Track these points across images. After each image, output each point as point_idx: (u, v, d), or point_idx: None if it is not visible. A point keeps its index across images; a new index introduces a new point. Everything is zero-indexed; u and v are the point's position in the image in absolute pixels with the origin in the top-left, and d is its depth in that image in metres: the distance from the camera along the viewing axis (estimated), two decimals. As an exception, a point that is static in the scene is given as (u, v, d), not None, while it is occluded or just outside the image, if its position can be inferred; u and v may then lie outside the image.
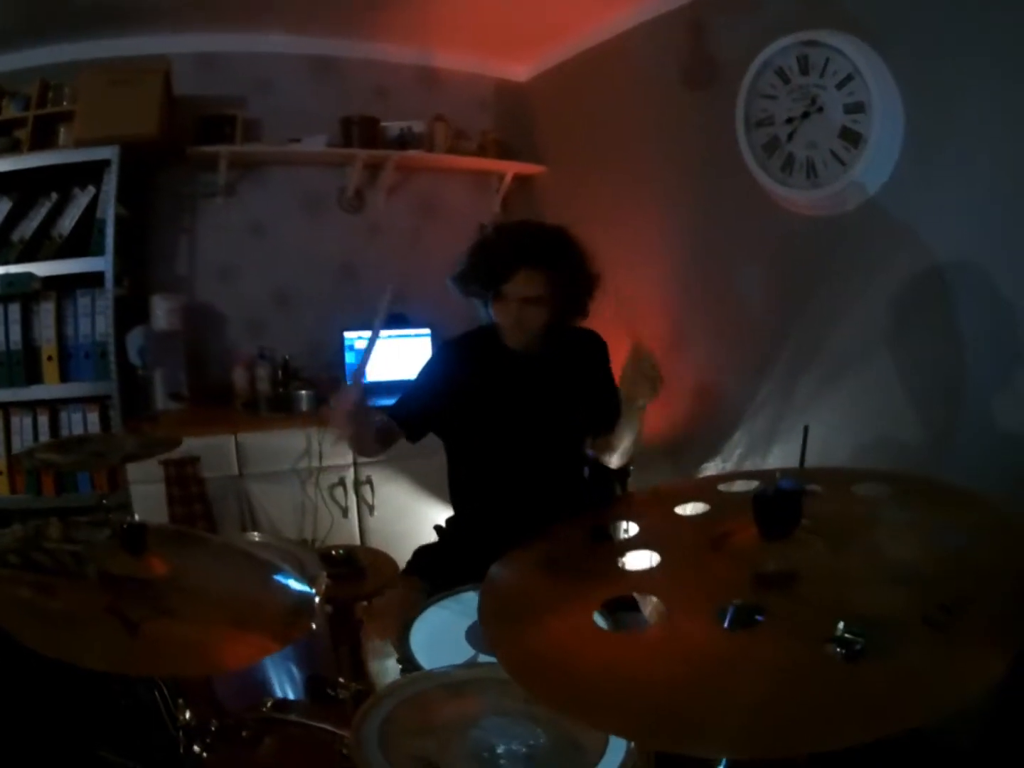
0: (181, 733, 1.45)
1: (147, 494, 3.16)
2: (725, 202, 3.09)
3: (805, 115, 2.57)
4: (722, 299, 3.21)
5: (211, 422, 3.47)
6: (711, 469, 3.24)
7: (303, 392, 3.63)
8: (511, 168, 4.24)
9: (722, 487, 1.57)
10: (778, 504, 1.14)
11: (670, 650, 1.05)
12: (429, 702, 1.33)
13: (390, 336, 3.95)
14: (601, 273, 2.14)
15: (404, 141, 3.99)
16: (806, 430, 2.56)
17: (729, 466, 3.15)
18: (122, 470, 3.27)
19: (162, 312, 3.54)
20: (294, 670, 1.91)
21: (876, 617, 0.98)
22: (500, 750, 1.21)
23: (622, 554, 1.36)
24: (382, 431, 2.12)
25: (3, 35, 3.30)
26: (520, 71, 4.31)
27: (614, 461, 2.22)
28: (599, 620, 1.15)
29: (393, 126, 3.99)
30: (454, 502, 2.32)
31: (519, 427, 2.14)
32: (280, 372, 3.77)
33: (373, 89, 4.05)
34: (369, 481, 3.51)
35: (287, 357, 3.81)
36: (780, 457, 2.93)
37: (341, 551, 3.04)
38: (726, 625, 1.00)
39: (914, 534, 1.20)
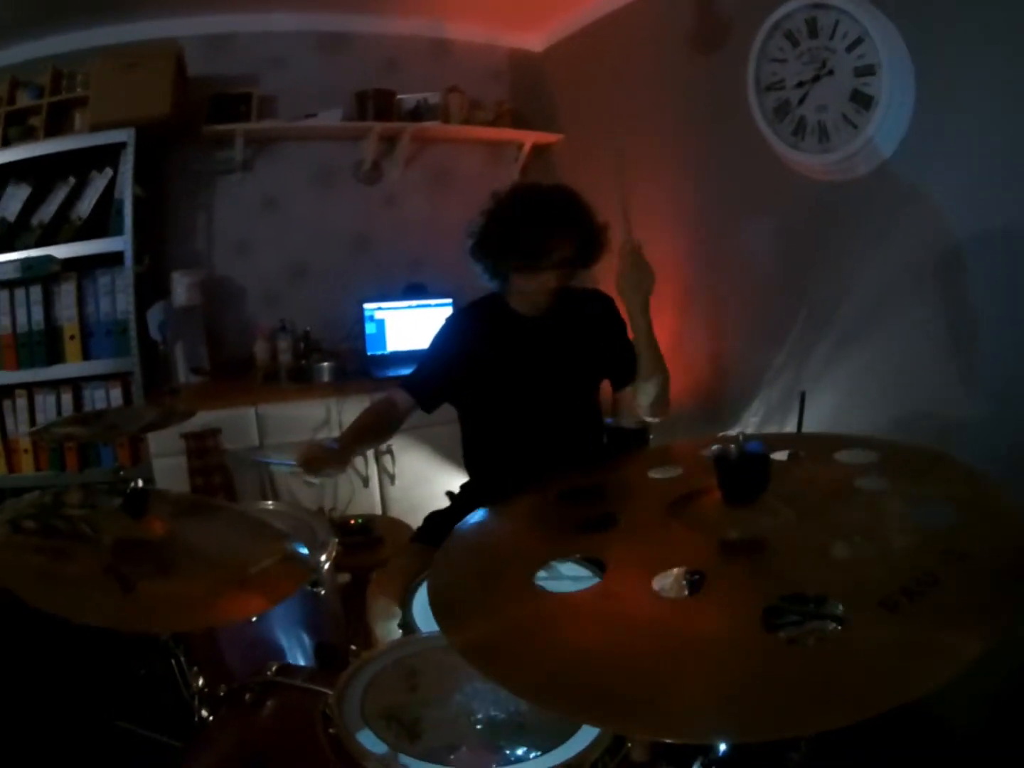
0: (196, 699, 1.51)
1: (168, 466, 3.22)
2: (737, 168, 3.03)
3: (815, 78, 2.50)
4: (736, 265, 3.16)
5: (231, 394, 3.50)
6: (731, 434, 3.22)
7: (324, 364, 3.66)
8: (528, 137, 4.21)
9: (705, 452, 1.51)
10: (742, 468, 1.09)
11: (607, 619, 1.00)
12: (417, 666, 1.37)
13: (410, 306, 3.98)
14: (607, 224, 2.14)
15: (419, 113, 3.98)
16: (802, 396, 2.54)
17: (743, 434, 3.13)
18: (144, 444, 3.34)
19: (182, 287, 3.58)
20: (305, 637, 1.94)
21: (833, 593, 0.96)
22: (479, 716, 1.23)
23: (583, 516, 1.32)
24: (378, 426, 2.15)
25: (14, 26, 3.32)
26: (534, 41, 4.25)
27: (647, 408, 2.19)
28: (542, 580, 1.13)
29: (409, 98, 3.99)
30: (468, 468, 2.35)
31: (532, 391, 2.15)
32: (302, 344, 3.80)
33: (385, 62, 4.04)
34: (390, 451, 3.53)
35: (307, 329, 3.85)
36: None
37: (359, 520, 3.07)
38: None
39: (893, 507, 1.16)
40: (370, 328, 3.91)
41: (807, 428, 2.56)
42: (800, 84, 2.55)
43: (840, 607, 0.91)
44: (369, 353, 3.88)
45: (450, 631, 1.04)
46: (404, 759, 1.13)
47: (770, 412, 3.05)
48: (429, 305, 3.99)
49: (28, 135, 3.36)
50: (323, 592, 1.93)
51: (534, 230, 1.99)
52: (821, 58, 2.46)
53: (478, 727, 1.21)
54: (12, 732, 2.29)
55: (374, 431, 2.16)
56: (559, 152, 4.25)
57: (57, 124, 3.44)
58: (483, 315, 2.23)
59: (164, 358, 3.57)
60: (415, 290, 4.06)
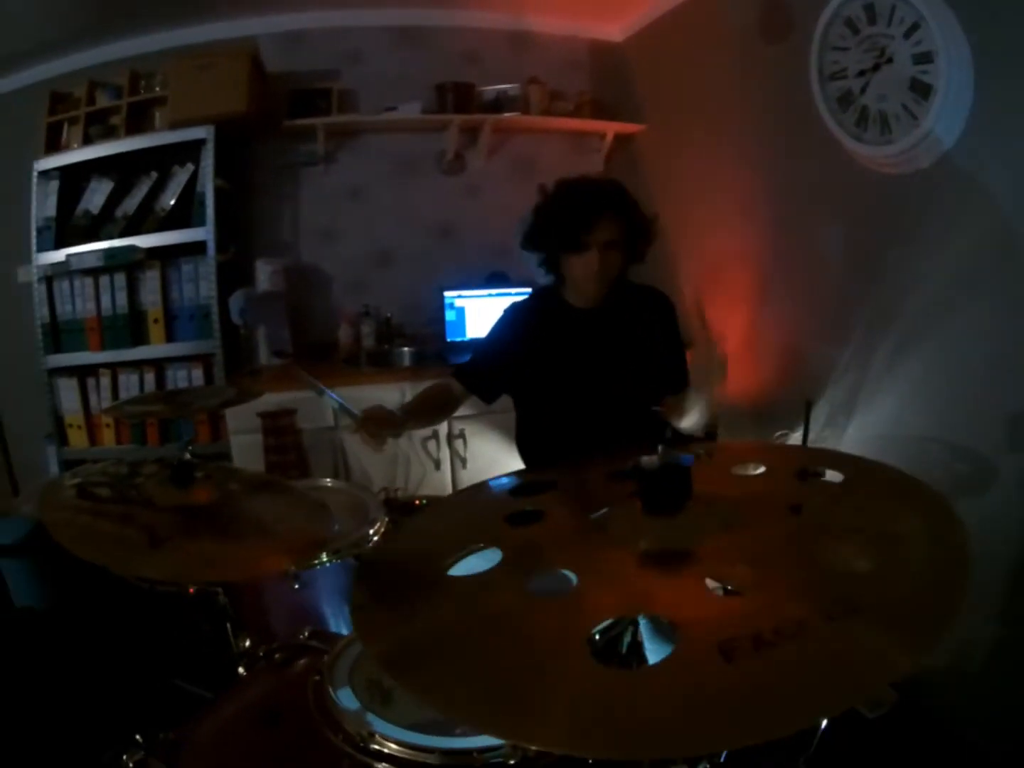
0: (239, 659, 1.67)
1: (245, 443, 3.32)
2: (805, 160, 2.89)
3: (875, 67, 2.35)
4: (806, 260, 3.03)
5: (297, 378, 3.56)
6: (794, 440, 3.08)
7: (405, 349, 3.74)
8: (609, 128, 4.14)
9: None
10: (663, 479, 1.06)
11: (504, 623, 0.97)
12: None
13: (489, 294, 4.01)
14: (656, 215, 2.15)
15: (500, 104, 3.98)
16: (808, 406, 2.41)
17: (811, 437, 3.00)
18: (223, 422, 3.48)
19: (265, 275, 3.72)
20: (346, 607, 1.96)
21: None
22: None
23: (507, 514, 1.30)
24: (434, 407, 2.20)
25: (90, 30, 3.48)
26: (615, 31, 4.17)
27: (682, 425, 2.14)
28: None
29: (489, 90, 3.99)
30: (523, 456, 2.36)
31: (585, 382, 2.15)
32: (384, 329, 3.90)
33: (465, 55, 4.05)
34: (462, 435, 3.54)
35: (388, 315, 3.94)
36: (859, 428, 2.75)
37: (424, 500, 3.13)
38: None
39: (837, 526, 1.10)
40: (450, 315, 3.96)
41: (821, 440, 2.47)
42: (861, 73, 2.41)
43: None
44: (448, 339, 3.93)
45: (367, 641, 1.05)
46: (371, 718, 1.20)
47: (833, 414, 2.89)
48: (509, 293, 3.96)
49: (109, 133, 3.55)
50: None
51: (578, 209, 2.03)
52: (880, 45, 2.31)
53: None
54: (83, 687, 2.48)
55: (429, 412, 2.20)
56: (642, 142, 4.16)
57: (138, 122, 3.61)
58: (538, 307, 2.26)
59: (245, 341, 3.71)
60: (497, 279, 4.08)
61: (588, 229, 2.01)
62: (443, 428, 3.53)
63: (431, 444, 3.52)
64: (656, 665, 0.87)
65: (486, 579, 1.10)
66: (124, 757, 1.33)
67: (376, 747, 1.15)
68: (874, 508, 1.15)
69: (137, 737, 1.36)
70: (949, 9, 2.09)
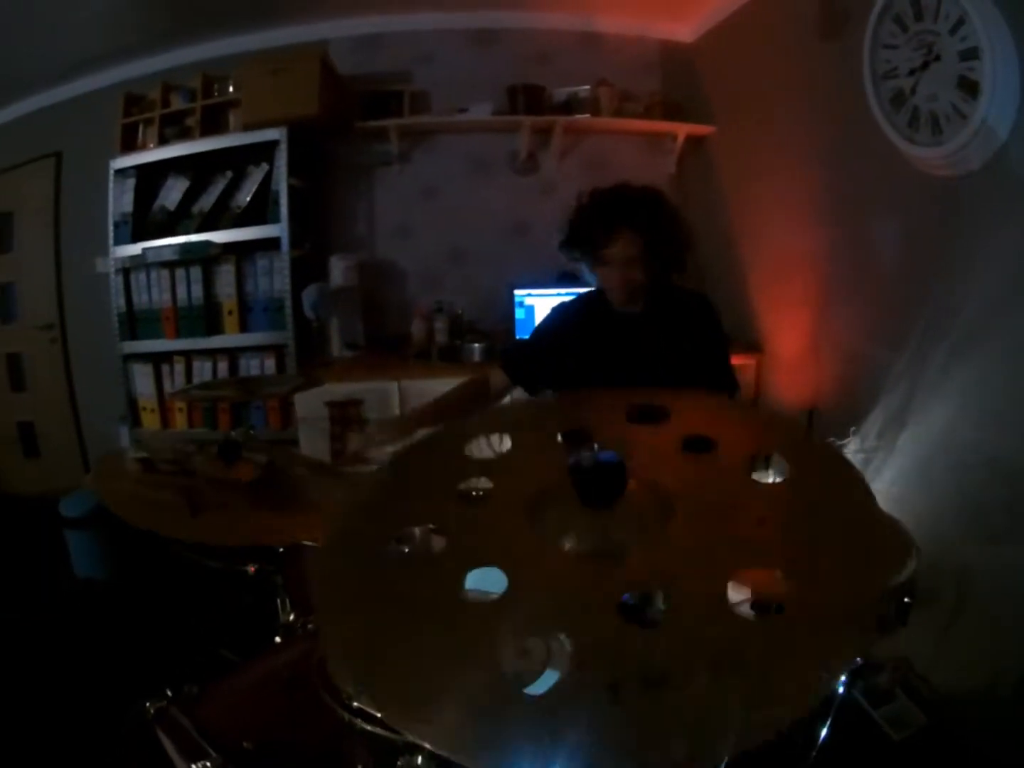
0: (282, 630, 1.80)
1: (312, 431, 3.39)
2: (861, 162, 2.77)
3: (924, 65, 2.24)
4: (864, 264, 2.90)
5: (379, 368, 3.65)
6: (848, 448, 2.97)
7: (475, 345, 3.76)
8: (680, 129, 4.07)
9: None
10: (595, 475, 1.06)
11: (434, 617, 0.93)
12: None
13: (558, 293, 3.99)
14: (692, 228, 2.16)
15: (570, 106, 3.97)
16: (811, 414, 2.31)
17: (868, 445, 2.89)
18: (293, 409, 3.57)
19: (338, 270, 3.82)
20: None
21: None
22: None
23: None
24: (463, 400, 2.20)
25: (165, 35, 3.66)
26: (685, 32, 4.10)
27: None
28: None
29: (560, 92, 3.98)
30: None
31: (619, 384, 2.13)
32: (458, 324, 3.95)
33: (535, 56, 4.05)
34: None
35: (459, 311, 3.99)
36: (910, 440, 2.60)
37: (481, 492, 3.17)
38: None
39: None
40: (519, 313, 3.97)
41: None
42: (911, 72, 2.31)
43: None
44: (518, 336, 3.94)
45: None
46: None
47: (887, 424, 2.74)
48: (576, 293, 3.98)
49: (184, 134, 3.73)
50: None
51: (595, 226, 2.05)
52: (928, 42, 2.21)
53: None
54: (134, 653, 2.63)
55: (458, 405, 2.20)
56: (714, 144, 4.08)
57: (212, 124, 3.77)
58: (583, 309, 2.28)
59: (317, 333, 3.81)
60: (567, 278, 4.08)
61: (604, 246, 2.03)
62: None
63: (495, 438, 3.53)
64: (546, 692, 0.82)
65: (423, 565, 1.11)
66: (148, 704, 1.44)
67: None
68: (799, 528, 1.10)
69: (167, 691, 1.47)
70: (992, 2, 1.99)
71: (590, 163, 4.22)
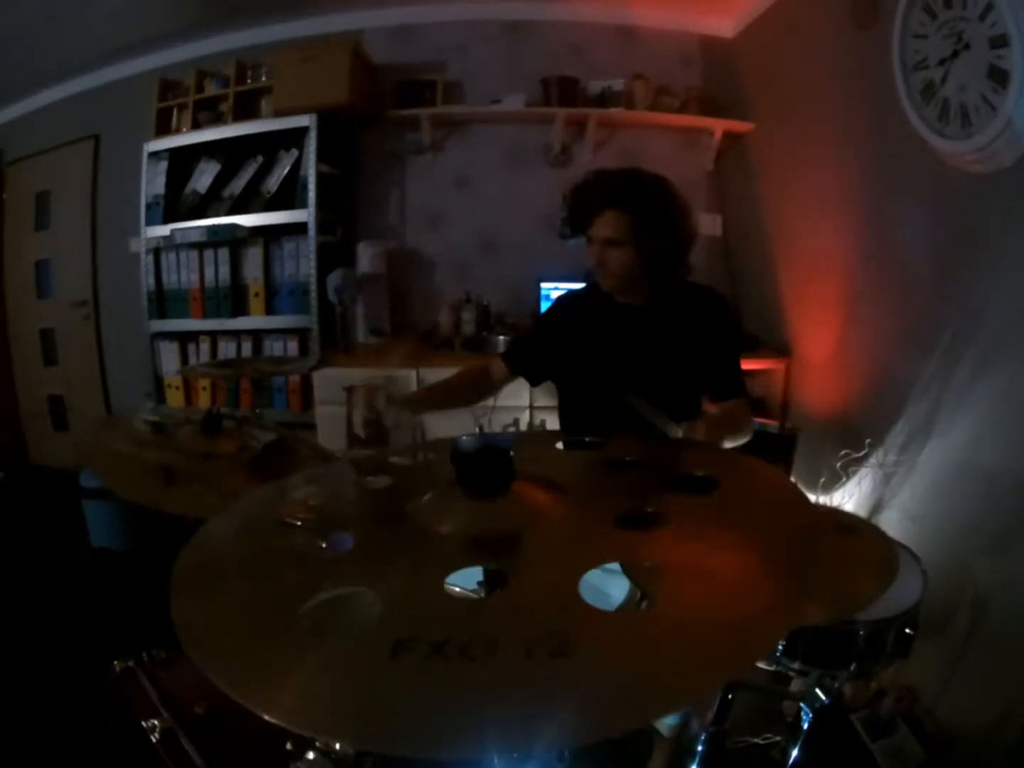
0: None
1: (329, 415, 3.36)
2: (892, 159, 2.62)
3: (954, 54, 2.11)
4: (893, 265, 2.74)
5: (396, 355, 3.54)
6: (873, 460, 2.73)
7: (501, 337, 3.71)
8: (717, 125, 3.94)
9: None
10: (479, 462, 1.00)
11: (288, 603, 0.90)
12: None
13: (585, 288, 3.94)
14: (695, 223, 2.06)
15: (604, 99, 3.89)
16: (794, 440, 2.18)
17: (890, 459, 2.66)
18: (311, 393, 3.56)
19: (366, 257, 3.80)
20: None
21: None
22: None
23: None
24: (461, 388, 2.20)
25: (201, 23, 3.68)
26: (726, 26, 3.96)
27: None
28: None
29: (594, 84, 3.90)
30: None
31: (620, 379, 2.04)
32: (485, 316, 3.91)
33: (570, 48, 3.96)
34: (543, 425, 3.46)
35: (486, 302, 3.93)
36: (934, 452, 2.45)
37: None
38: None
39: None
40: (544, 305, 3.89)
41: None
42: (941, 62, 2.19)
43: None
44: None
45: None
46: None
47: (911, 435, 2.59)
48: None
49: (217, 119, 3.74)
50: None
51: (586, 201, 2.00)
52: (957, 30, 2.08)
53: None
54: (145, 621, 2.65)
55: (454, 392, 2.20)
56: (753, 141, 3.97)
57: (245, 110, 3.79)
58: (587, 300, 2.20)
59: (341, 318, 3.75)
60: (597, 273, 4.03)
61: (589, 223, 1.98)
62: (524, 415, 3.44)
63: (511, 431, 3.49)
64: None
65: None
66: (115, 663, 1.49)
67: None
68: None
69: (144, 654, 1.50)
70: (1021, -15, 1.87)
71: (625, 157, 4.08)
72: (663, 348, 2.07)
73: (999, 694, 2.07)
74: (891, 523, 2.57)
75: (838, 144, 3.02)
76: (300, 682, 0.75)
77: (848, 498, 2.83)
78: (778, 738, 2.12)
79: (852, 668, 1.65)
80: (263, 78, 3.78)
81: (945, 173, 2.33)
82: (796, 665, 1.68)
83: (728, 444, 1.95)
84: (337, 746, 1.21)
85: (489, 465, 1.00)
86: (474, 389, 2.22)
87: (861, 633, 1.62)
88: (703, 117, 3.96)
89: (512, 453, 1.01)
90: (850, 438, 2.92)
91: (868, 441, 2.66)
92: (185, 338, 3.87)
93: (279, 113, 3.64)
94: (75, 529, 3.27)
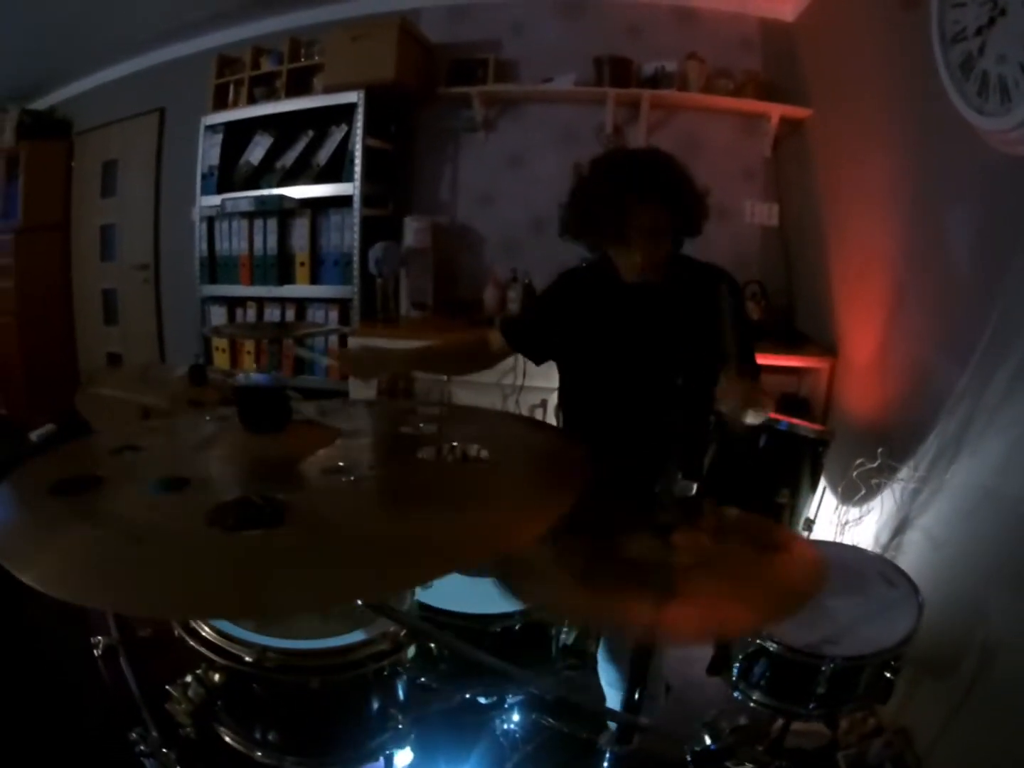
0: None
1: (362, 383, 3.30)
2: (935, 143, 2.39)
3: (991, 21, 1.97)
4: (936, 260, 2.46)
5: (442, 330, 3.57)
6: (903, 473, 2.47)
7: None
8: (774, 110, 3.71)
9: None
10: (257, 399, 1.11)
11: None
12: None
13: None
14: (707, 190, 1.91)
15: (657, 80, 3.70)
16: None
17: (919, 472, 2.40)
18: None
19: (411, 230, 3.78)
20: None
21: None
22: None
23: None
24: (458, 355, 2.20)
25: (259, 2, 3.80)
26: (785, 9, 3.70)
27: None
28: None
29: (648, 65, 3.72)
30: (564, 418, 2.20)
31: (624, 358, 1.96)
32: (531, 294, 3.75)
33: (627, 29, 3.80)
34: (543, 404, 3.37)
35: (528, 280, 3.81)
36: (961, 473, 2.18)
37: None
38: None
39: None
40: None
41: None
42: (979, 31, 2.04)
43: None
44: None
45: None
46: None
47: (941, 451, 2.32)
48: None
49: (271, 95, 3.81)
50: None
51: (612, 204, 1.79)
52: (994, -6, 1.95)
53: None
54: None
55: (449, 358, 2.20)
56: (811, 128, 3.78)
57: (298, 86, 3.85)
58: (590, 278, 2.06)
59: (382, 290, 3.76)
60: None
61: (625, 218, 1.77)
62: (553, 397, 3.27)
63: (538, 412, 3.34)
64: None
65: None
66: (100, 638, 1.52)
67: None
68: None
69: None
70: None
71: (679, 140, 3.88)
72: (678, 330, 1.92)
73: (996, 754, 1.82)
74: (912, 546, 2.34)
75: (887, 133, 2.76)
76: (57, 554, 0.91)
77: (870, 512, 2.62)
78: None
79: (810, 708, 1.50)
80: (315, 56, 3.81)
81: (989, 158, 2.06)
82: (756, 695, 1.56)
83: (751, 419, 1.81)
84: (216, 677, 1.26)
85: (265, 402, 1.08)
86: (471, 359, 2.17)
87: (823, 670, 1.45)
88: (759, 101, 3.74)
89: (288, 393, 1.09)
90: (877, 448, 2.74)
91: (880, 451, 2.45)
92: (234, 303, 3.94)
93: (328, 90, 3.68)
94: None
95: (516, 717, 1.93)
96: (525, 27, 3.90)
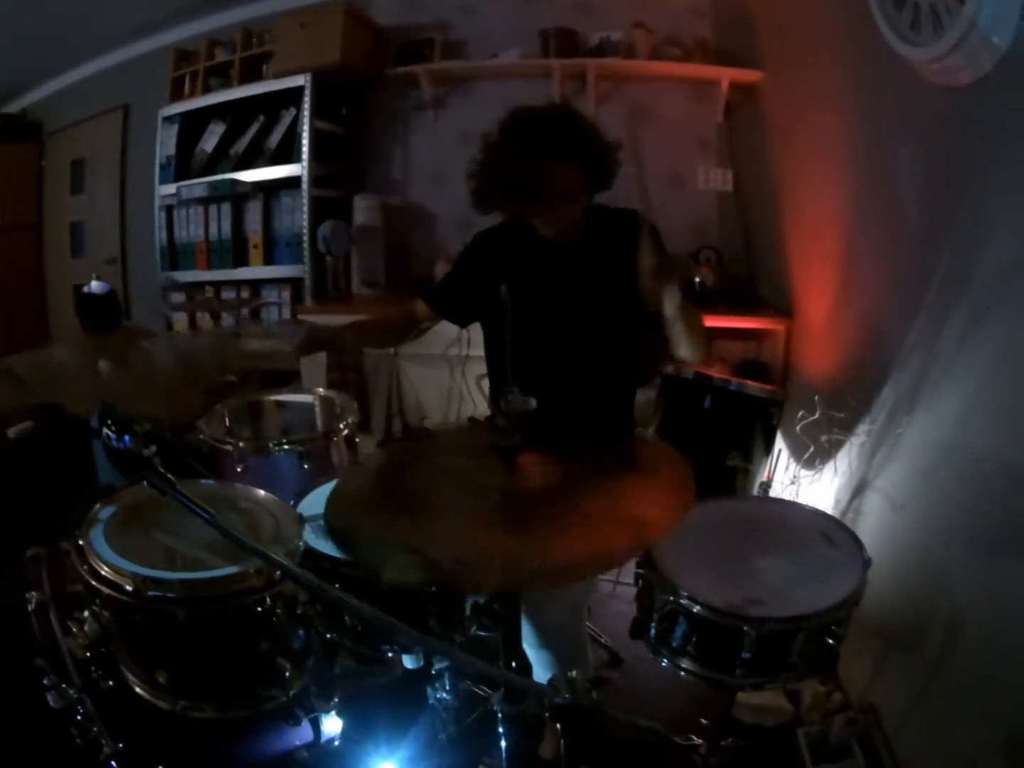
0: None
1: (311, 359, 3.10)
2: (877, 88, 2.18)
3: None
4: (887, 214, 2.24)
5: (390, 306, 3.44)
6: (859, 430, 2.29)
7: None
8: (724, 74, 3.49)
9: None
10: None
11: None
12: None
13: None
14: (619, 143, 1.79)
15: (603, 50, 3.49)
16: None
17: (875, 430, 2.21)
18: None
19: (360, 209, 3.67)
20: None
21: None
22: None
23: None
24: (386, 325, 2.12)
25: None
26: None
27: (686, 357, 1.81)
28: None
29: (593, 36, 3.51)
30: (492, 381, 2.06)
31: (551, 312, 1.82)
32: None
33: (577, 4, 3.63)
34: None
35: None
36: (918, 432, 1.98)
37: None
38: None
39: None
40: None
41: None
42: (909, -43, 1.82)
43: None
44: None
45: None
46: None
47: (896, 407, 2.11)
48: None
49: (226, 84, 3.76)
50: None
51: (526, 160, 1.67)
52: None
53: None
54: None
55: (377, 329, 2.11)
56: (763, 92, 3.51)
57: (251, 74, 3.79)
58: (507, 236, 1.92)
59: (332, 269, 3.67)
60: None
61: (538, 182, 1.66)
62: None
63: (485, 382, 3.25)
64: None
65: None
66: (29, 551, 1.52)
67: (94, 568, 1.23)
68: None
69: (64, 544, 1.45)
70: None
71: (630, 111, 3.69)
72: (594, 280, 1.83)
73: (967, 733, 1.61)
74: (872, 509, 2.14)
75: (838, 87, 2.53)
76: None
77: (822, 472, 2.43)
78: (699, 741, 1.74)
79: (736, 675, 1.31)
80: (267, 44, 3.73)
81: (927, 93, 1.86)
82: (684, 663, 1.39)
83: (686, 351, 1.76)
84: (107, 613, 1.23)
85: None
86: (399, 330, 2.08)
87: (748, 631, 1.25)
88: (707, 66, 3.54)
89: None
90: (836, 407, 2.50)
91: (816, 398, 2.28)
92: (193, 288, 3.85)
93: (278, 75, 3.59)
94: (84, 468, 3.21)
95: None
96: (476, 8, 3.75)
